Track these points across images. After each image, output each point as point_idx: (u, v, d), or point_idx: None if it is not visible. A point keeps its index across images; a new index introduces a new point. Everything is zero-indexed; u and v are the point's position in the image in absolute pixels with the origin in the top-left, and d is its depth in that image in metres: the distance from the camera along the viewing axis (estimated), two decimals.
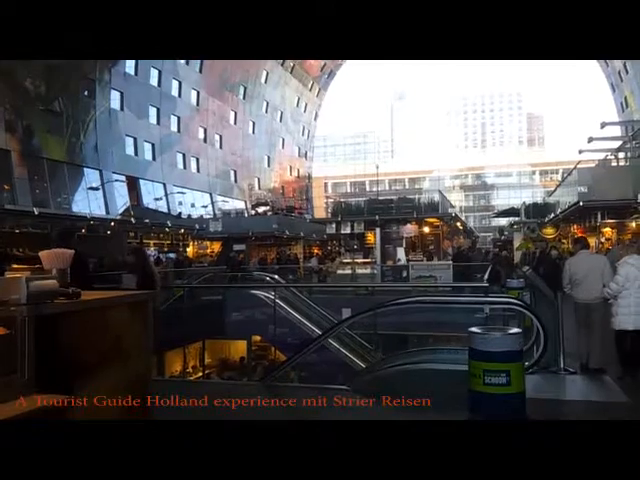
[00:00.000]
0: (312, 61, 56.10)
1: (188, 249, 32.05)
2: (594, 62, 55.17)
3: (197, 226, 31.91)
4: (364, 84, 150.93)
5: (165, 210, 36.68)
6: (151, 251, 27.12)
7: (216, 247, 32.28)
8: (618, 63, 48.16)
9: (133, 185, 35.48)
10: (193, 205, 40.25)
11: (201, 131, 44.18)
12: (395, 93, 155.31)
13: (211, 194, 44.13)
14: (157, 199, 36.37)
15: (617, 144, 23.97)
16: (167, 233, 31.03)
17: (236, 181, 49.09)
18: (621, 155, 24.29)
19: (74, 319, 2.41)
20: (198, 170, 43.79)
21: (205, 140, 44.64)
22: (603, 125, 22.13)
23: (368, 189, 70.91)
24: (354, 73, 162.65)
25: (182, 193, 38.28)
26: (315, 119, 65.46)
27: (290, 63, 53.20)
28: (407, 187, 74.76)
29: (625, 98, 49.62)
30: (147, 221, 29.40)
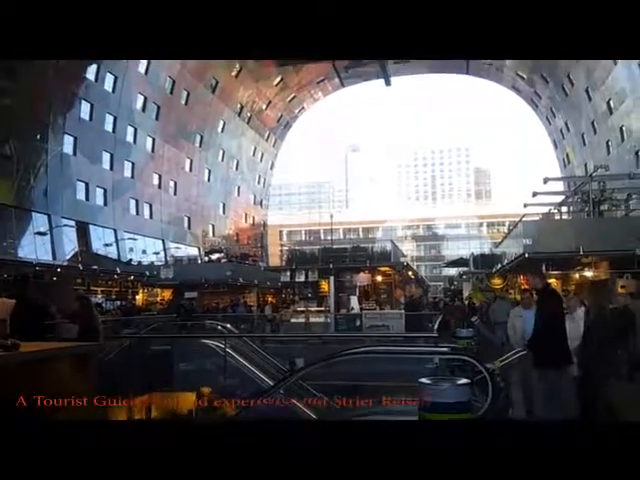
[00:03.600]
0: (269, 112, 57.15)
1: (137, 296, 31.26)
2: (537, 120, 58.41)
3: (147, 273, 31.25)
4: (319, 135, 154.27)
5: (115, 256, 35.87)
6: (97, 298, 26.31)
7: (167, 294, 31.60)
8: (560, 121, 51.13)
9: (83, 231, 34.67)
10: (144, 252, 39.51)
11: (155, 177, 43.91)
12: (349, 145, 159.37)
13: (163, 241, 43.51)
14: (107, 245, 35.58)
15: (560, 198, 25.07)
16: (116, 280, 30.25)
17: (190, 228, 48.64)
18: (564, 209, 25.41)
19: (12, 370, 2.32)
20: (151, 216, 43.25)
21: (159, 186, 44.34)
22: (546, 180, 23.15)
23: (323, 238, 71.47)
24: (310, 124, 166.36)
25: (133, 239, 37.60)
26: (271, 168, 66.17)
27: (247, 114, 54.03)
28: (361, 236, 75.89)
29: (567, 154, 52.44)
30: (95, 267, 28.65)
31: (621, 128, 38.96)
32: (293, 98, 58.63)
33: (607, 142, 41.75)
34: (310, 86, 58.03)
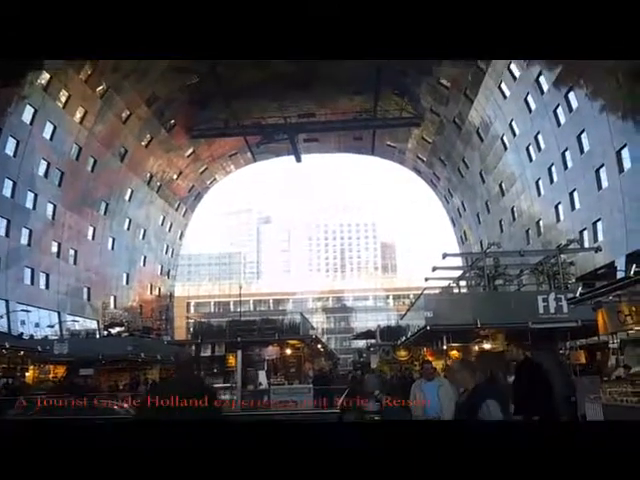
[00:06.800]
0: (180, 182, 56.87)
1: (27, 374, 28.76)
2: (436, 199, 62.26)
3: (39, 348, 28.96)
4: (231, 206, 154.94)
5: (5, 330, 33.11)
6: None
7: (60, 371, 29.31)
8: (457, 201, 54.80)
9: None
10: (38, 325, 36.81)
11: (55, 245, 41.72)
12: (261, 217, 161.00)
13: (59, 313, 40.84)
14: None
15: (458, 273, 26.43)
16: (4, 355, 27.78)
17: (89, 299, 46.13)
18: (462, 283, 26.76)
19: None
20: (47, 286, 40.70)
21: (58, 255, 42.08)
22: (445, 256, 24.36)
23: (233, 309, 70.26)
24: (222, 195, 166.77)
25: (26, 311, 35.00)
26: (180, 238, 65.07)
27: (157, 183, 53.41)
28: (272, 308, 75.36)
29: (464, 232, 55.95)
30: None
31: (512, 209, 42.38)
32: (205, 170, 58.93)
33: (500, 221, 45.11)
34: (222, 159, 58.74)
